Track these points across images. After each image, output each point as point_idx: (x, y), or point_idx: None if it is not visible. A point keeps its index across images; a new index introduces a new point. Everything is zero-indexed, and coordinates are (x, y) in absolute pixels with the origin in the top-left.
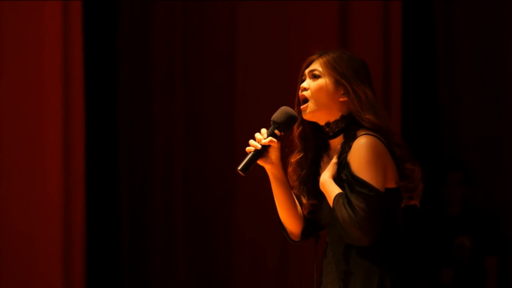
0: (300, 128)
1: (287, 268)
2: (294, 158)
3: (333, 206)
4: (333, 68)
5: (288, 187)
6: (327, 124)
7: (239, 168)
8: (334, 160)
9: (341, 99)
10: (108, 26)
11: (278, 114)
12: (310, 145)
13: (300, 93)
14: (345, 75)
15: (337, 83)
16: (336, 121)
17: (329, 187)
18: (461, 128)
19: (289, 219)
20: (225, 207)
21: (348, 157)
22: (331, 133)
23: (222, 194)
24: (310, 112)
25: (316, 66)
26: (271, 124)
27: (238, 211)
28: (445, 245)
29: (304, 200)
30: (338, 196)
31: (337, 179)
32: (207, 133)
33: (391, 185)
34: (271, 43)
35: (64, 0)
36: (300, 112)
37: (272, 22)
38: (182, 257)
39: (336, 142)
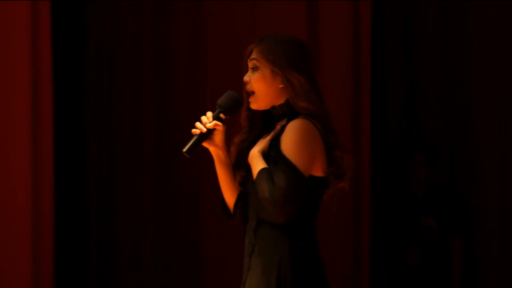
0: (248, 111)
1: None
2: (238, 138)
3: (255, 179)
4: (267, 59)
5: (230, 167)
6: (273, 107)
7: (184, 150)
8: (269, 137)
9: (280, 86)
10: (76, 25)
11: (224, 98)
12: (256, 125)
13: (244, 86)
14: (278, 64)
15: (273, 73)
16: (281, 105)
17: (256, 160)
18: (430, 104)
19: (231, 197)
20: (193, 185)
21: (281, 136)
22: (276, 116)
23: (191, 173)
24: (256, 103)
25: (254, 55)
26: (217, 107)
27: (207, 190)
28: (411, 225)
29: (236, 172)
30: (262, 170)
31: (267, 155)
32: (177, 110)
33: (318, 173)
34: (240, 43)
35: (32, 0)
36: (247, 99)
37: (240, 21)
38: (151, 239)
39: (280, 125)
